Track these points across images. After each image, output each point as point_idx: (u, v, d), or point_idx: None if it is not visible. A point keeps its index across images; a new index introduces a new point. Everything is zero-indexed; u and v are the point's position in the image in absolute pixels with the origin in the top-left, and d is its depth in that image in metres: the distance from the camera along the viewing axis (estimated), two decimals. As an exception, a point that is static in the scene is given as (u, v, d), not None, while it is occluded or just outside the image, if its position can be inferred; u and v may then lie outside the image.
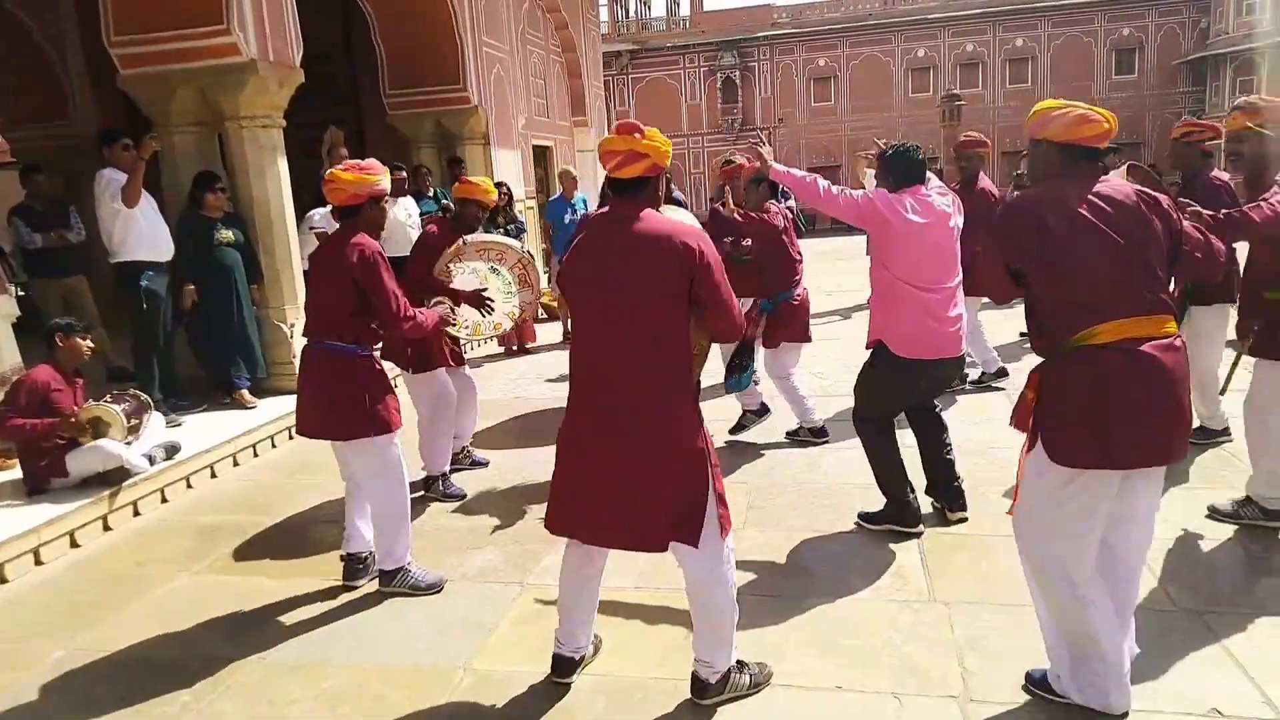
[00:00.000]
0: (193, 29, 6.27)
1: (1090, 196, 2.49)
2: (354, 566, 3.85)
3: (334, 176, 3.51)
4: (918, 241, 3.74)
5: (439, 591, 3.73)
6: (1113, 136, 2.60)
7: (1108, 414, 2.41)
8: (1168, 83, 30.99)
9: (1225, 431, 5.05)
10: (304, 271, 5.40)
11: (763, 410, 5.64)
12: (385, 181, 3.61)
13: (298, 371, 3.77)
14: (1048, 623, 2.71)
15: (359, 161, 3.65)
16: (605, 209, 2.78)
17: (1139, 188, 2.61)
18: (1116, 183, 2.60)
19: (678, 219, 2.75)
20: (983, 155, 6.58)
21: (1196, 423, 4.91)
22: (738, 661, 2.86)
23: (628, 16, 35.67)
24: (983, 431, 5.50)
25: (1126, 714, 2.60)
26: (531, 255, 5.03)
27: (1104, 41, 31.66)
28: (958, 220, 3.90)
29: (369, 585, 3.84)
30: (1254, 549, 3.70)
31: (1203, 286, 4.58)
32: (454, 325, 4.36)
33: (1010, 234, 2.62)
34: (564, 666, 2.98)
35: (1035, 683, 2.78)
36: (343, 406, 3.55)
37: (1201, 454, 4.84)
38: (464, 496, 4.91)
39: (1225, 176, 4.80)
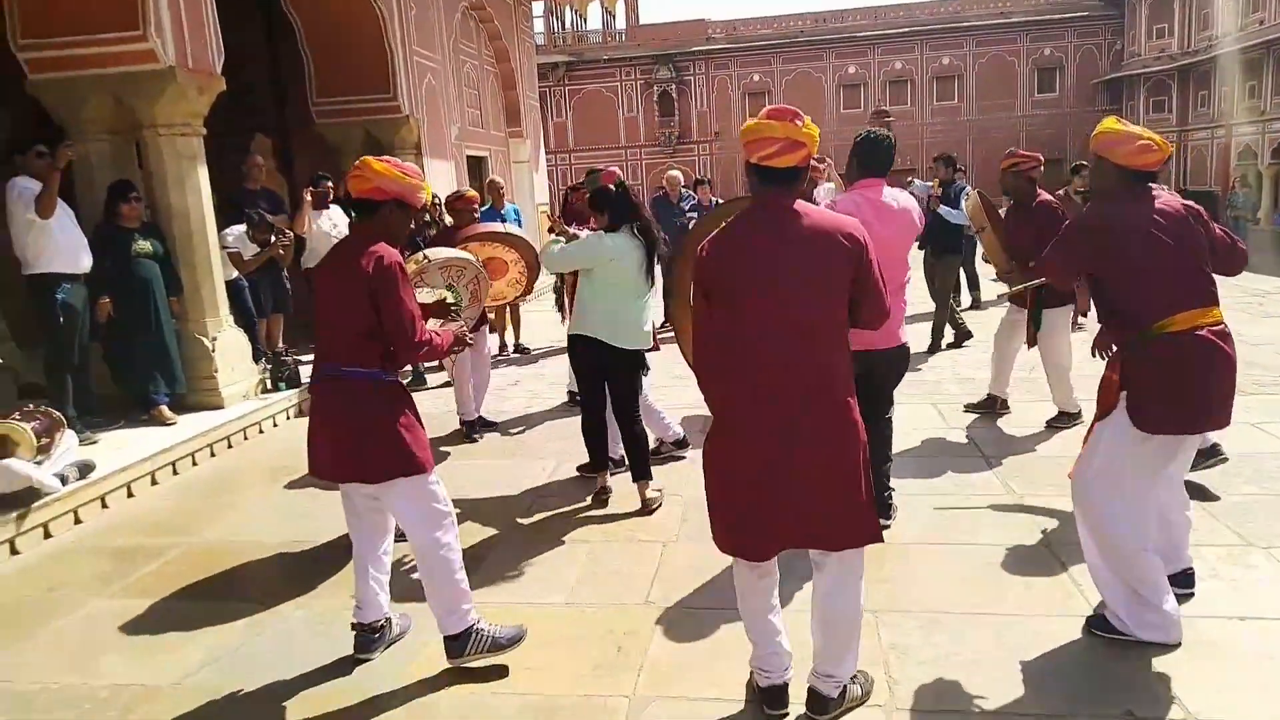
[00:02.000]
0: (106, 33, 6.08)
1: (1154, 214, 2.98)
2: (369, 637, 3.29)
3: (364, 163, 3.04)
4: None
5: (520, 644, 3.21)
6: (1165, 159, 3.04)
7: (1187, 388, 2.92)
8: (1086, 100, 32.17)
9: (1079, 414, 5.65)
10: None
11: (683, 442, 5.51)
12: (422, 193, 3.17)
13: (309, 405, 3.24)
14: (1105, 574, 3.11)
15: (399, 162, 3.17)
16: (757, 200, 2.60)
17: (1186, 202, 3.11)
18: (1168, 198, 3.07)
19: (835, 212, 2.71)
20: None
21: (1054, 411, 5.81)
22: None
23: (564, 28, 35.69)
24: (910, 441, 5.60)
25: (1180, 643, 3.03)
26: (482, 268, 4.75)
27: (1026, 61, 32.77)
28: (909, 223, 4.01)
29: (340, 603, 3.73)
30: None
31: (1052, 291, 5.18)
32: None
33: (1091, 245, 3.07)
34: (780, 697, 2.75)
35: (1096, 626, 3.15)
36: (372, 443, 3.00)
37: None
38: None
39: (1048, 198, 5.67)
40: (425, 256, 4.37)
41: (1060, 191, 8.46)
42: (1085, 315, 4.20)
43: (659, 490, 4.74)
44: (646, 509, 4.60)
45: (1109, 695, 2.81)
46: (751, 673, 2.86)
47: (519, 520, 4.63)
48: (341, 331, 3.03)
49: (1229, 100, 25.96)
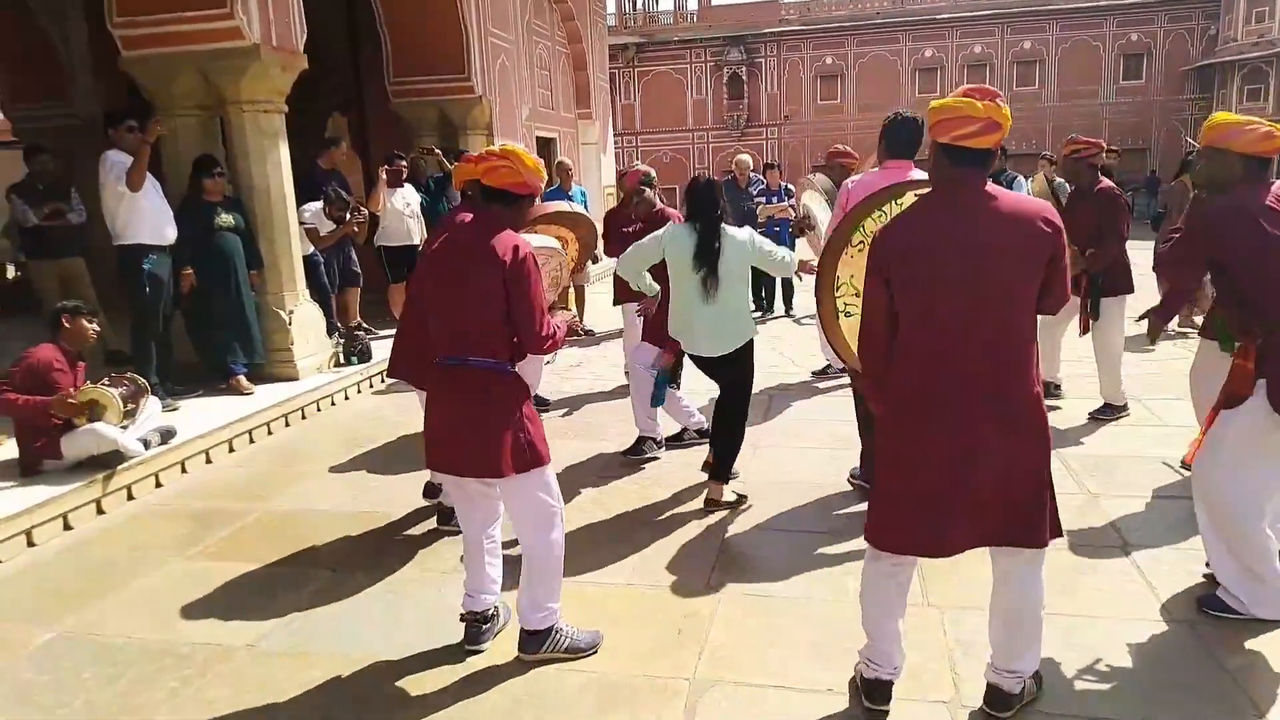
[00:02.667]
0: (196, 11, 6.25)
1: (1271, 201, 3.02)
2: (479, 627, 3.21)
3: (515, 155, 2.94)
4: None
5: (596, 652, 3.15)
6: None
7: None
8: (1174, 89, 30.91)
9: (1125, 408, 5.67)
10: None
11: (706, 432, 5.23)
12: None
13: (429, 397, 3.10)
14: (1223, 556, 3.19)
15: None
16: (945, 182, 2.49)
17: None
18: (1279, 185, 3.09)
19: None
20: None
21: (1100, 402, 5.75)
22: None
23: (635, 9, 35.55)
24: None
25: None
26: (564, 253, 4.50)
27: (1112, 46, 31.56)
28: None
29: (373, 577, 3.83)
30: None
31: (1109, 280, 5.42)
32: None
33: (1223, 233, 3.08)
34: (883, 692, 2.72)
35: (1210, 605, 3.24)
36: (499, 437, 2.92)
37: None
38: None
39: (1109, 184, 5.62)
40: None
41: (1174, 182, 8.32)
42: (1167, 322, 4.00)
43: (736, 495, 4.55)
44: (714, 503, 4.45)
45: (1183, 699, 2.72)
46: (857, 664, 2.83)
47: (580, 500, 4.66)
48: (472, 321, 2.93)
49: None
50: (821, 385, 6.95)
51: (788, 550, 3.95)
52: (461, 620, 3.21)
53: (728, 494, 4.51)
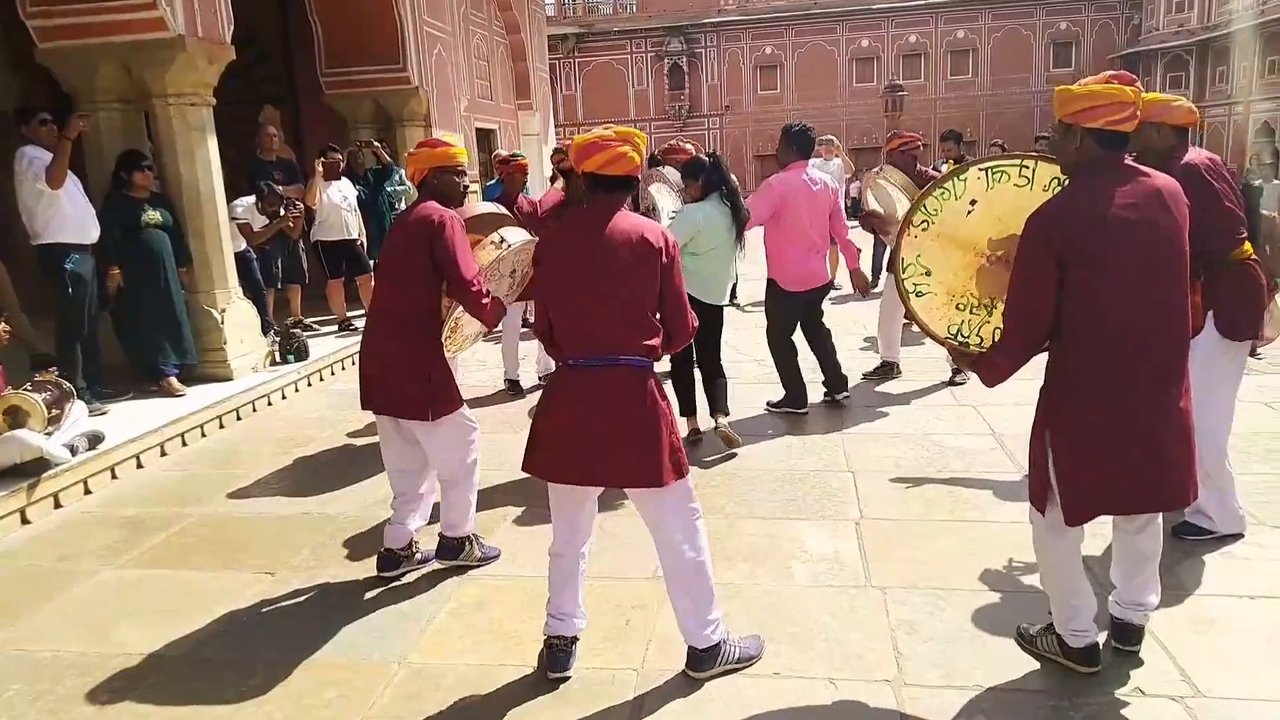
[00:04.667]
0: (116, 1, 6.02)
1: (1204, 161, 3.50)
2: (567, 653, 2.95)
3: (632, 134, 2.77)
4: (792, 211, 5.42)
5: (761, 657, 3.00)
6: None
7: (1259, 300, 3.51)
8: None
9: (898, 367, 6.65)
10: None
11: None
12: None
13: (556, 400, 2.82)
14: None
15: None
16: (1102, 164, 2.57)
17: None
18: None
19: None
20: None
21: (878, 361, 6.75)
22: None
23: None
24: (920, 416, 5.59)
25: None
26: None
27: (1042, 35, 32.34)
28: (825, 194, 5.55)
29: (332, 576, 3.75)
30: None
31: None
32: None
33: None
34: (1097, 653, 2.79)
35: (1184, 532, 3.67)
36: (657, 442, 2.71)
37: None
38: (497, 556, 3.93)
39: (929, 170, 6.65)
40: (504, 240, 4.05)
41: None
42: None
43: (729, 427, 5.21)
44: (729, 444, 5.11)
45: (1117, 672, 2.80)
46: (1058, 637, 2.84)
47: (527, 493, 4.63)
48: (625, 317, 2.72)
49: (1248, 76, 25.58)
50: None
51: (731, 538, 3.97)
52: (547, 645, 2.95)
53: (724, 424, 5.21)
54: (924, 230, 3.15)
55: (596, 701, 2.80)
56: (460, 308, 3.66)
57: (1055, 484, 2.63)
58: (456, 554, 3.75)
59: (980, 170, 3.06)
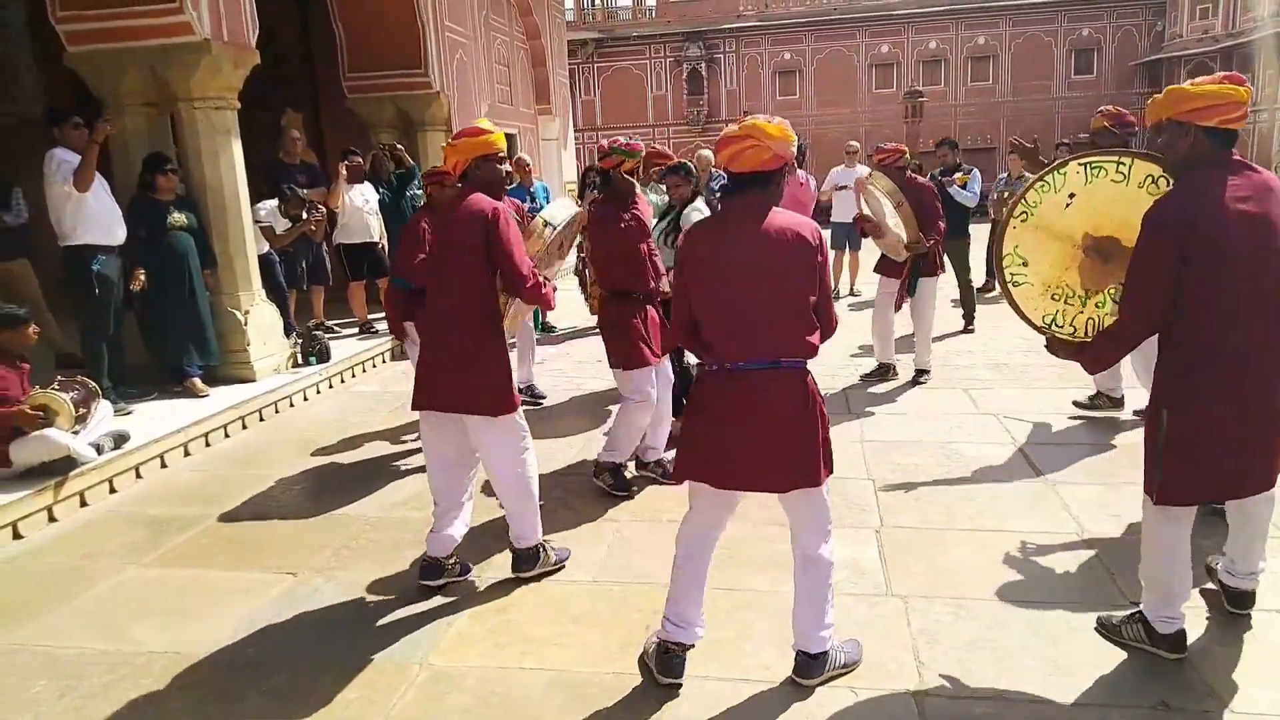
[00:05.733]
0: (144, 5, 6.09)
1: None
2: (681, 659, 2.92)
3: (756, 126, 2.64)
4: None
5: (859, 663, 2.97)
6: None
7: None
8: (1124, 83, 31.49)
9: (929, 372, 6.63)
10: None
11: None
12: None
13: (723, 406, 2.73)
14: None
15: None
16: (1218, 160, 2.69)
17: None
18: None
19: None
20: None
21: (916, 368, 6.65)
22: None
23: (593, 4, 35.40)
24: (941, 424, 5.56)
25: None
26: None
27: (1063, 41, 32.08)
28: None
29: (332, 582, 3.77)
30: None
31: (927, 262, 6.41)
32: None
33: None
34: (1184, 640, 2.90)
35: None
36: (818, 443, 2.72)
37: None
38: None
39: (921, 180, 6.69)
40: (547, 224, 3.97)
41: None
42: None
43: None
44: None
45: (1142, 686, 2.78)
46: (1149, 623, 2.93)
47: (545, 498, 4.63)
48: (785, 313, 2.66)
49: (1274, 84, 25.32)
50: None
51: (753, 544, 3.96)
52: (665, 651, 2.89)
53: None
54: (1023, 222, 3.23)
55: (617, 706, 2.80)
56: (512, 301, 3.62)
57: (1161, 464, 2.75)
58: (534, 563, 3.67)
59: (1080, 165, 3.15)
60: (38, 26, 7.76)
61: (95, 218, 5.78)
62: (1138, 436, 4.97)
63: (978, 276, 9.53)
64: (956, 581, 3.51)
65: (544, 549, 3.70)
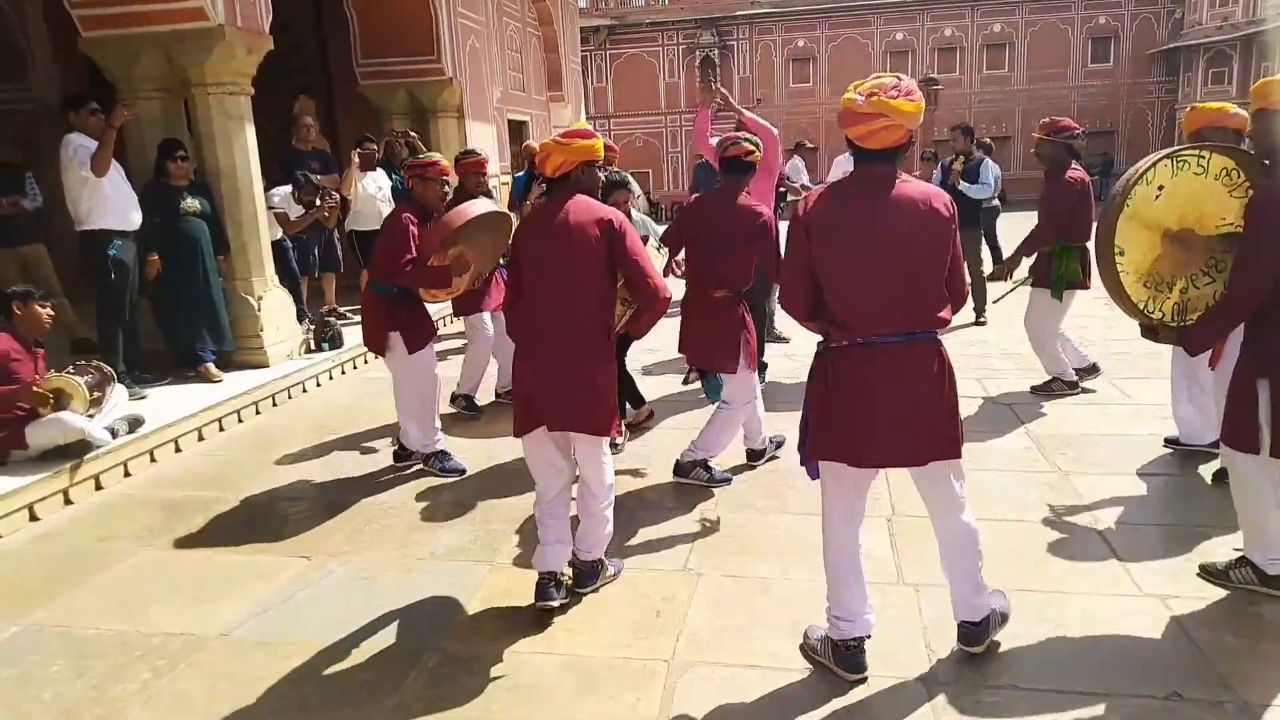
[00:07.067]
0: (158, -9, 6.10)
1: None
2: (864, 652, 2.87)
3: (888, 106, 2.56)
4: None
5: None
6: None
7: None
8: (1142, 72, 31.19)
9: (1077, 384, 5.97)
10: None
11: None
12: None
13: (852, 380, 2.68)
14: (1180, 403, 4.58)
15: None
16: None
17: None
18: None
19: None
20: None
21: (1046, 378, 6.00)
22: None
23: (606, -9, 35.27)
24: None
25: None
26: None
27: (1080, 29, 31.76)
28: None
29: (347, 568, 3.80)
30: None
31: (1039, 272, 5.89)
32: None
33: None
34: None
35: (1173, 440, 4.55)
36: (952, 417, 2.72)
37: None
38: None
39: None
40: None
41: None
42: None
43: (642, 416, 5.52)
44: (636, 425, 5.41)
45: (1155, 676, 2.77)
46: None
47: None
48: (921, 284, 2.63)
49: (1294, 72, 25.04)
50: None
51: (764, 533, 3.96)
52: (847, 650, 2.82)
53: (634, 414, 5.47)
54: (1120, 213, 3.34)
55: (626, 691, 2.81)
56: (630, 312, 3.57)
57: (1266, 426, 2.96)
58: (594, 578, 3.46)
59: (1167, 159, 3.31)
60: (54, 12, 7.77)
61: (111, 203, 5.80)
62: (1147, 427, 4.99)
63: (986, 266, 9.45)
64: (968, 570, 3.50)
65: (603, 563, 3.53)
